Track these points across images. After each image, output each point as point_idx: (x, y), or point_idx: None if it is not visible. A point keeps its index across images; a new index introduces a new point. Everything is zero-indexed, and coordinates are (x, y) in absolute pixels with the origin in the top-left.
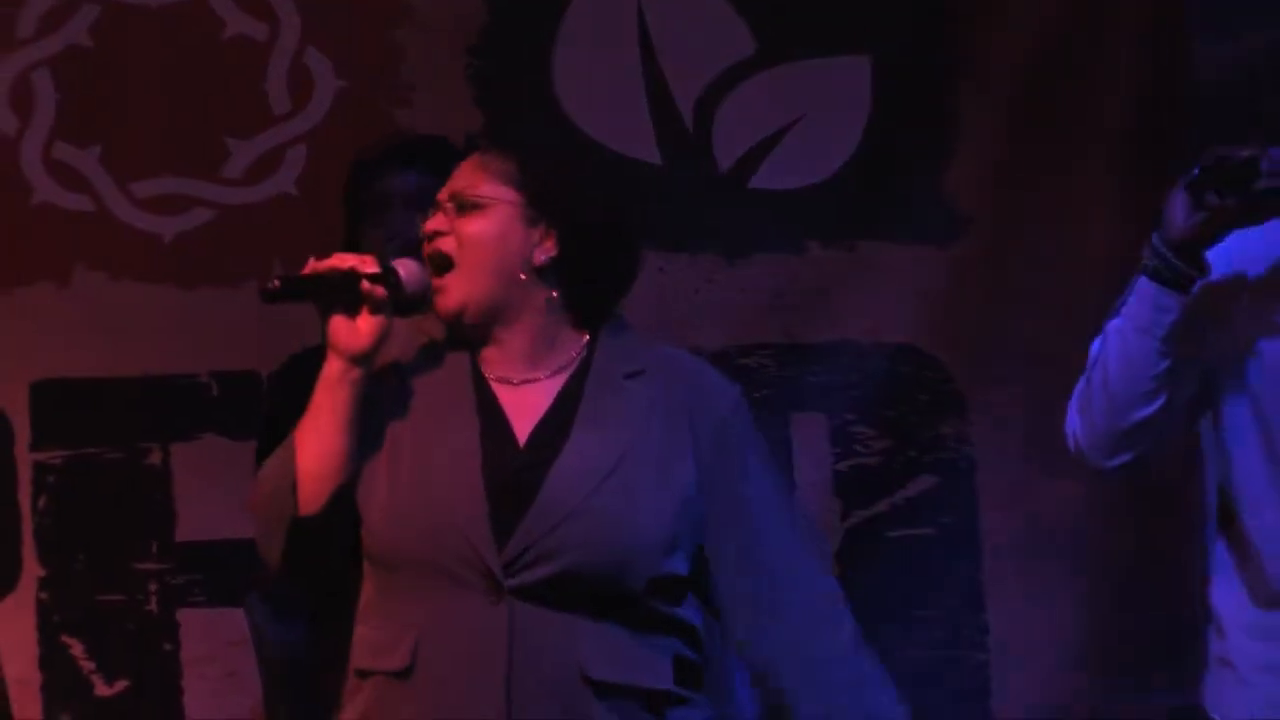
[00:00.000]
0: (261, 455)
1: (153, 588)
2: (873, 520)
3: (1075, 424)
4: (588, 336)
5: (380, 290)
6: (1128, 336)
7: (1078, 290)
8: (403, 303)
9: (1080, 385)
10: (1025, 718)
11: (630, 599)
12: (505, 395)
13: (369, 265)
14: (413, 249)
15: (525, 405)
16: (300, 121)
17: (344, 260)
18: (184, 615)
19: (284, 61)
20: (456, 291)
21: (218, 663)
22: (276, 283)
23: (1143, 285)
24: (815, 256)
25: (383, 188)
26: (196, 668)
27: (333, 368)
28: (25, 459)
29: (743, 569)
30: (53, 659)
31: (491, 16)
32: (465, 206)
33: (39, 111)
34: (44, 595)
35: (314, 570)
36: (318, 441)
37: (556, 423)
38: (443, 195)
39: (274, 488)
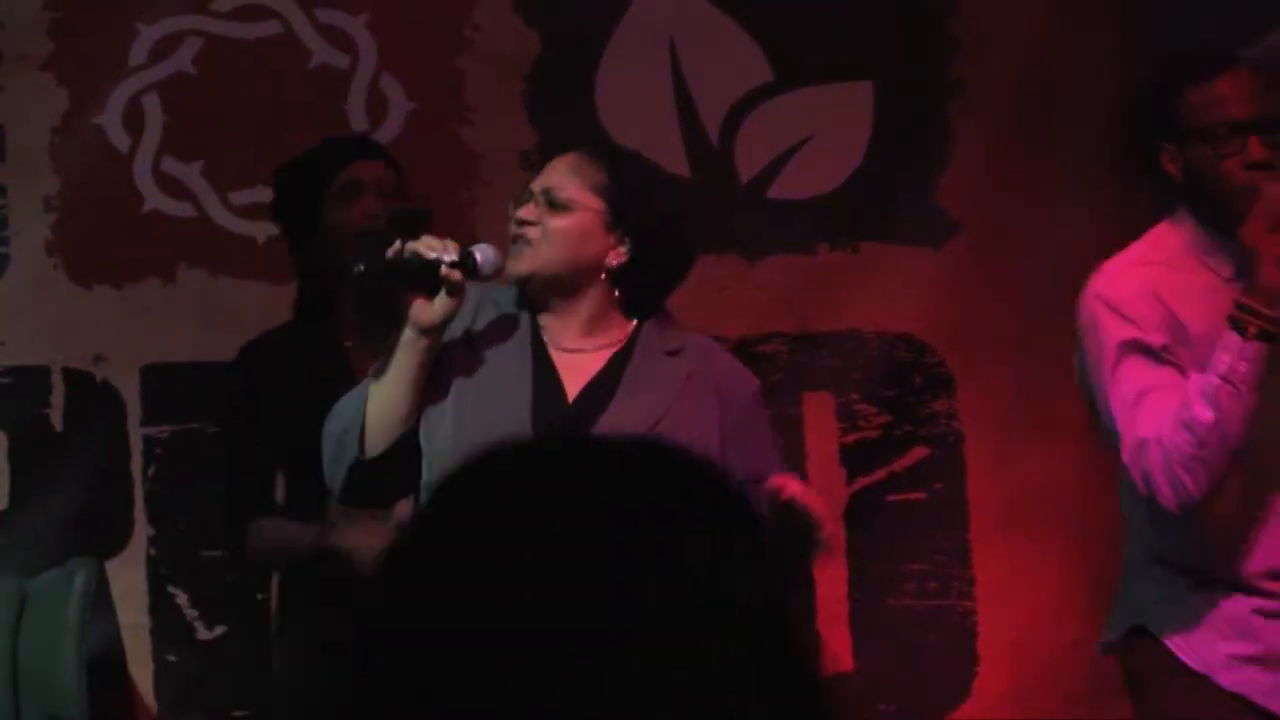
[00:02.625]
0: (233, 422)
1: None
2: (874, 486)
3: (1185, 482)
4: (635, 323)
5: (457, 275)
6: (1244, 395)
7: (1056, 285)
8: (476, 280)
9: (1185, 451)
10: (1009, 657)
11: None
12: (560, 359)
13: (450, 251)
14: (379, 231)
15: (576, 369)
16: (377, 138)
17: (430, 247)
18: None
19: (362, 86)
20: (530, 261)
21: None
22: (362, 267)
23: (1254, 348)
24: (824, 257)
25: (353, 175)
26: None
27: (408, 335)
28: (136, 433)
29: None
30: (160, 607)
31: (543, 47)
32: (556, 205)
33: (149, 130)
34: (152, 551)
35: (370, 500)
36: (388, 396)
37: (603, 386)
38: (536, 186)
39: (343, 430)
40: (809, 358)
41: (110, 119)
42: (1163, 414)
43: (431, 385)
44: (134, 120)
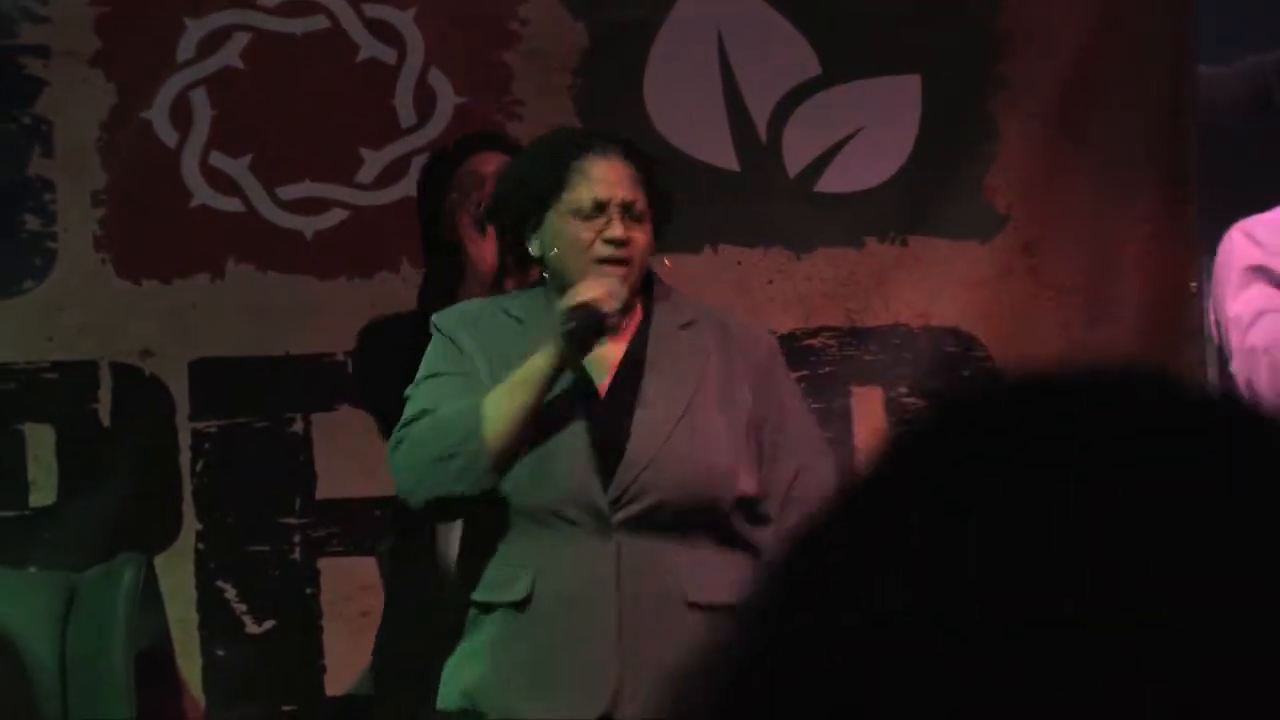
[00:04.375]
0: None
1: (296, 539)
2: None
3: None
4: (639, 301)
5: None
6: None
7: (1101, 280)
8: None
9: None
10: None
11: (717, 521)
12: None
13: (612, 301)
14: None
15: (601, 362)
16: (424, 133)
17: (611, 294)
18: (323, 563)
19: (410, 80)
20: (625, 293)
21: (353, 603)
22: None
23: None
24: (872, 250)
25: (473, 167)
26: (334, 608)
27: (550, 371)
28: (185, 428)
29: (777, 458)
30: (209, 601)
31: (591, 41)
32: (637, 217)
33: (197, 125)
34: (201, 546)
35: (456, 514)
36: (521, 427)
37: (628, 373)
38: (612, 201)
39: (465, 455)
40: (857, 351)
41: (158, 114)
42: (1278, 331)
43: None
44: (182, 115)
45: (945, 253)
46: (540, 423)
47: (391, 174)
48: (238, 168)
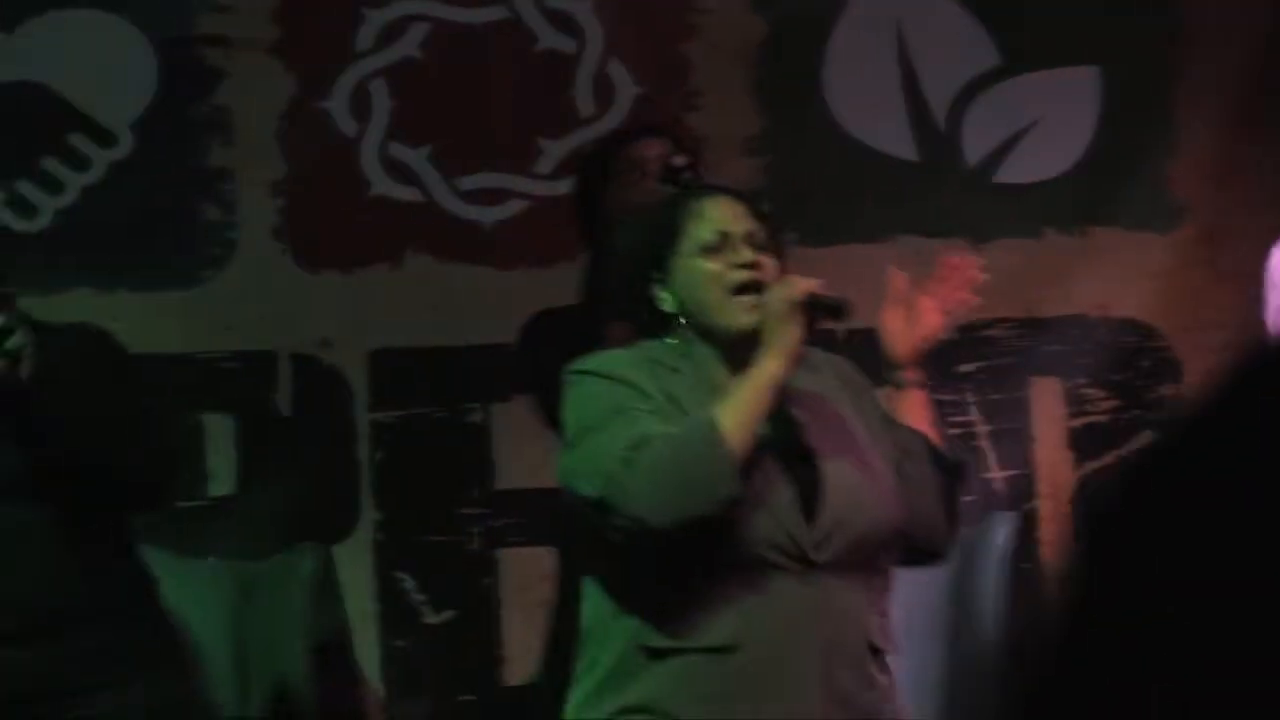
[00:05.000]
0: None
1: (475, 529)
2: (1102, 470)
3: None
4: None
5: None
6: None
7: None
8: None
9: None
10: None
11: (885, 560)
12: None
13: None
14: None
15: None
16: (603, 124)
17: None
18: (502, 553)
19: (589, 71)
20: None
21: (531, 593)
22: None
23: None
24: (1051, 241)
25: (636, 153)
26: (512, 598)
27: (782, 373)
28: (364, 418)
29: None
30: (388, 592)
31: (770, 32)
32: (761, 247)
33: (376, 115)
34: (380, 537)
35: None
36: (753, 434)
37: (784, 415)
38: (736, 231)
39: (711, 462)
40: (1036, 342)
41: (337, 104)
42: None
43: None
44: (361, 105)
45: (1124, 243)
46: (763, 474)
47: (569, 164)
48: (417, 158)
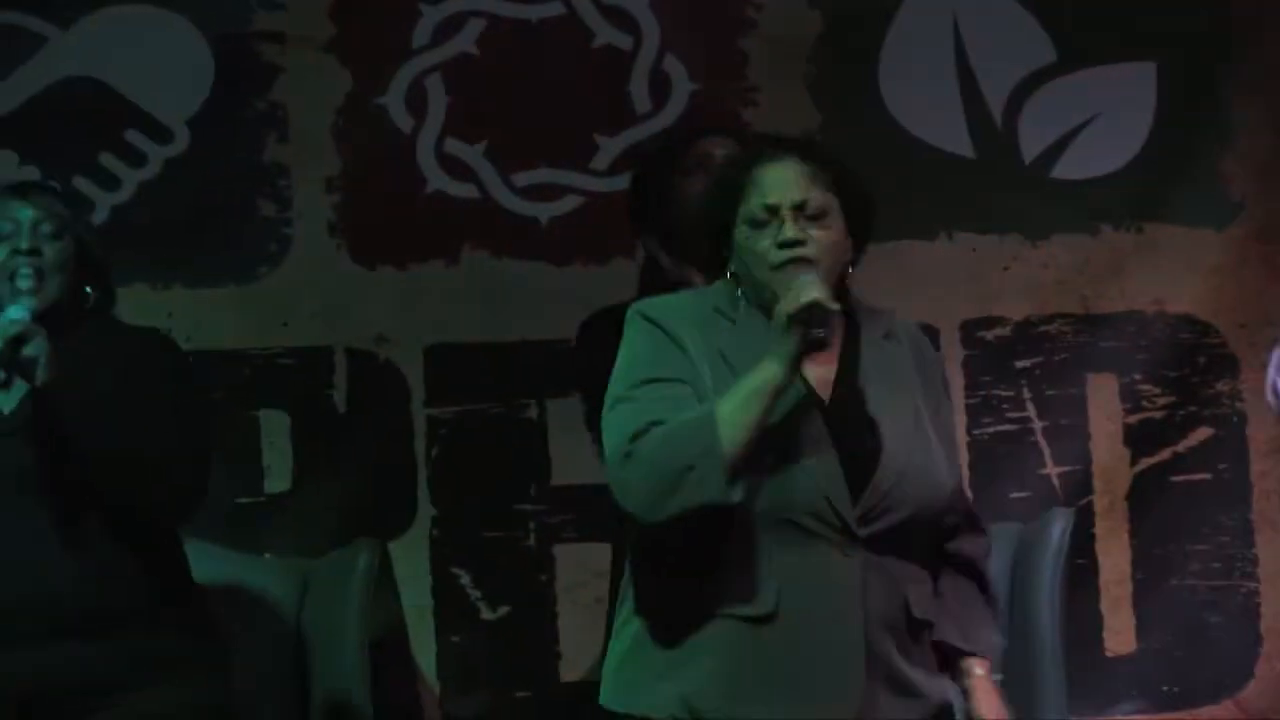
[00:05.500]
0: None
1: (531, 525)
2: (1157, 467)
3: None
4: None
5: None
6: None
7: None
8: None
9: None
10: None
11: (937, 537)
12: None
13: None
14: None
15: (818, 374)
16: (659, 120)
17: (828, 298)
18: (558, 550)
19: (645, 67)
20: (820, 286)
21: (587, 589)
22: (820, 333)
23: None
24: (1107, 237)
25: (702, 149)
26: (569, 595)
27: (783, 382)
28: (420, 414)
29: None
30: (444, 588)
31: (826, 28)
32: (815, 216)
33: (432, 112)
34: (436, 533)
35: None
36: (754, 438)
37: (849, 386)
38: (783, 204)
39: (703, 467)
40: (1092, 338)
41: (393, 100)
42: None
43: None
44: (417, 101)
45: (1180, 239)
46: (780, 433)
47: (626, 161)
48: (473, 154)
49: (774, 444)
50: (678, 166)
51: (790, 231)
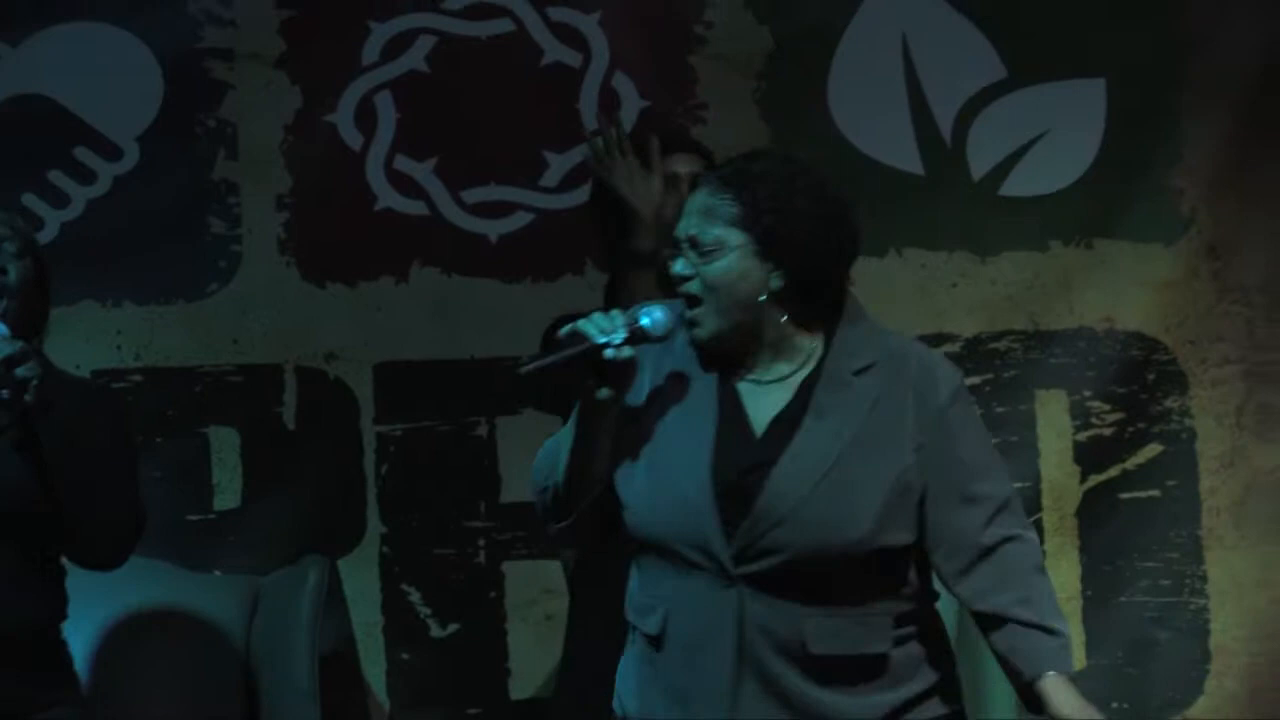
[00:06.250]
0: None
1: (481, 543)
2: (1107, 484)
3: None
4: (823, 335)
5: (627, 353)
6: None
7: None
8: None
9: None
10: (1241, 654)
11: (849, 581)
12: (749, 393)
13: (618, 328)
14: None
15: (767, 402)
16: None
17: (600, 329)
18: (508, 567)
19: (594, 84)
20: (707, 326)
21: (537, 607)
22: (527, 366)
23: None
24: (1056, 254)
25: (669, 167)
26: (518, 612)
27: (586, 407)
28: (370, 431)
29: (961, 504)
30: (394, 605)
31: (775, 45)
32: (706, 252)
33: (381, 128)
34: (386, 549)
35: (569, 545)
36: (580, 463)
37: (790, 417)
38: (682, 236)
39: (544, 486)
40: (1041, 355)
41: (343, 117)
42: None
43: (623, 442)
44: (367, 118)
45: (1130, 255)
46: (674, 462)
47: (575, 177)
48: (422, 171)
49: (662, 475)
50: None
51: (678, 265)
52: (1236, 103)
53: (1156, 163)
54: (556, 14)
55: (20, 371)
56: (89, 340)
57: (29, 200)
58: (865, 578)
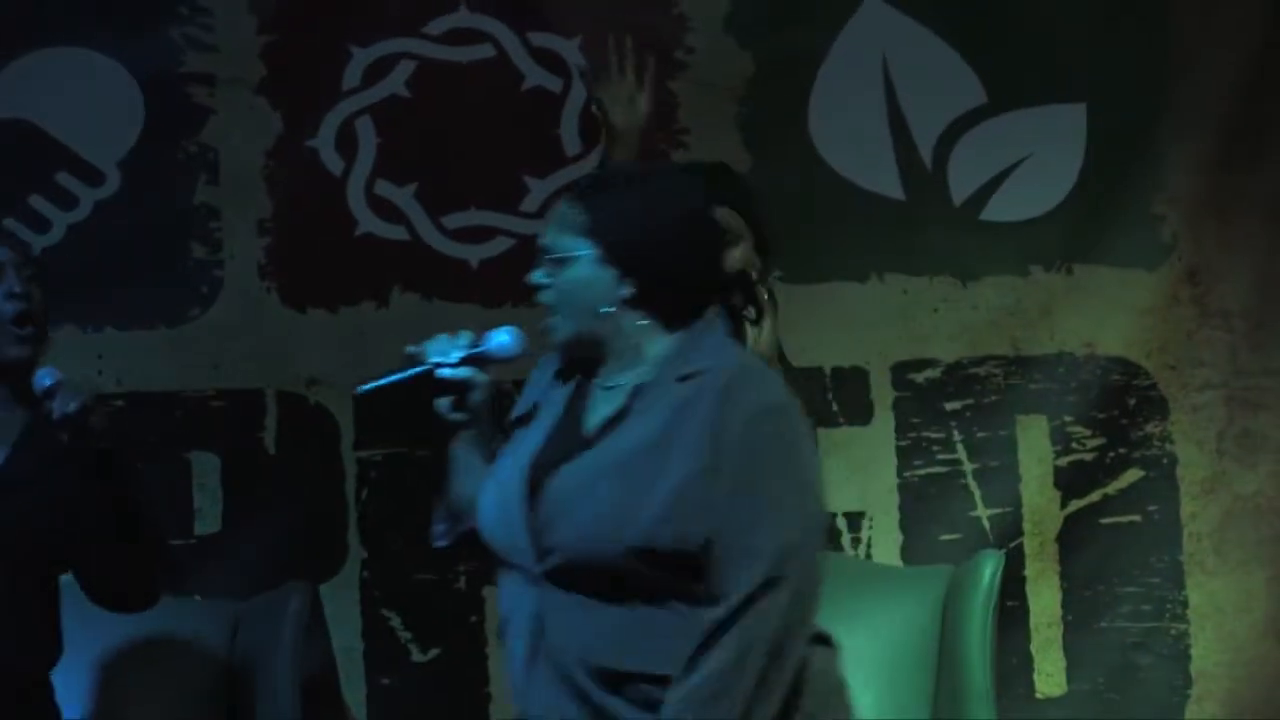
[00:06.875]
0: None
1: (461, 568)
2: (1088, 508)
3: None
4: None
5: (463, 375)
6: None
7: (1267, 307)
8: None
9: None
10: (1222, 679)
11: (636, 583)
12: (597, 399)
13: (456, 349)
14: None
15: (607, 406)
16: (589, 161)
17: (439, 350)
18: (488, 591)
19: (575, 109)
20: (561, 333)
21: None
22: (366, 386)
23: None
24: (1038, 279)
25: None
26: (499, 637)
27: (442, 427)
28: (350, 456)
29: (731, 558)
30: (374, 630)
31: (757, 70)
32: (557, 261)
33: (362, 153)
34: (366, 574)
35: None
36: (451, 483)
37: (615, 420)
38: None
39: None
40: (1022, 380)
41: (324, 142)
42: None
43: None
44: (347, 143)
45: (1111, 281)
46: (504, 465)
47: (557, 203)
48: (403, 196)
49: (494, 480)
50: None
51: (536, 275)
52: (1217, 128)
53: (1137, 188)
54: (537, 39)
55: (94, 422)
56: (70, 365)
57: (10, 225)
58: (656, 588)
